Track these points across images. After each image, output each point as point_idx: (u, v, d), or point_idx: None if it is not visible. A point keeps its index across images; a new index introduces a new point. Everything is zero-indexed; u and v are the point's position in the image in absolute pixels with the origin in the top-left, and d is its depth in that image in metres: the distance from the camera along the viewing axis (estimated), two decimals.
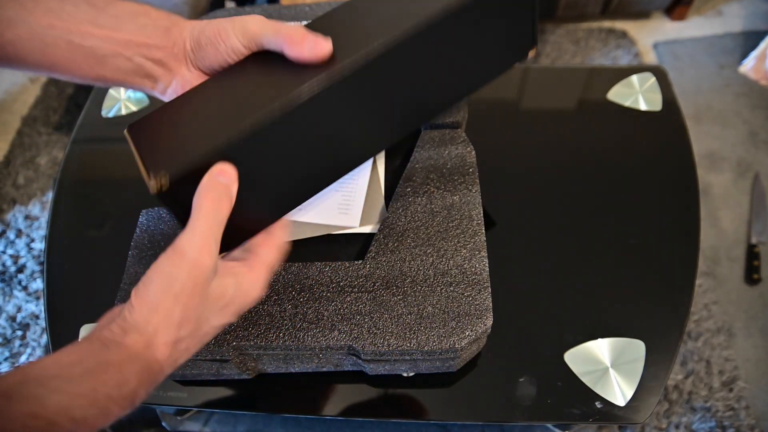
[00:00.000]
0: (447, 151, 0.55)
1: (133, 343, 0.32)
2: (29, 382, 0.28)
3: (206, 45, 0.40)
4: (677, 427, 1.01)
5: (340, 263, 0.49)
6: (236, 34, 0.40)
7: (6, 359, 1.15)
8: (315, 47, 0.38)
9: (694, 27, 1.65)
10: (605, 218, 0.61)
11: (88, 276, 0.60)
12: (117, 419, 0.31)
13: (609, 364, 0.52)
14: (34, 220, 1.34)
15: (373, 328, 0.45)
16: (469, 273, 0.47)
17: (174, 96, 0.42)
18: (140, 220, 0.53)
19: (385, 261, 0.48)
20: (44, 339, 1.17)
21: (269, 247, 0.40)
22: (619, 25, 1.66)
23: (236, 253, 0.41)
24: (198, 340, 0.35)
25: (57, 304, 0.59)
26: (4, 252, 1.29)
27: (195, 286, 0.33)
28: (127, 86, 0.42)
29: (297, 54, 0.38)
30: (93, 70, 0.40)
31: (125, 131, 0.39)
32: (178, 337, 0.33)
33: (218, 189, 0.35)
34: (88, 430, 0.29)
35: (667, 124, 0.68)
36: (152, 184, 0.35)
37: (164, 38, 0.40)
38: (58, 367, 0.29)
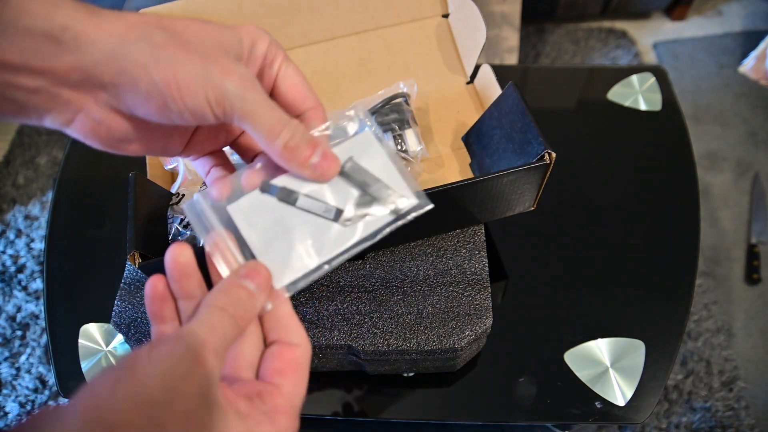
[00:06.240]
0: None
1: None
2: None
3: (146, 91, 0.25)
4: (677, 427, 1.01)
5: None
6: (208, 96, 0.25)
7: (6, 359, 1.15)
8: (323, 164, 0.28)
9: (694, 27, 1.65)
10: (605, 218, 0.61)
11: (88, 276, 0.60)
12: None
13: (609, 364, 0.52)
14: (34, 220, 1.34)
15: (373, 328, 0.45)
16: (468, 273, 0.47)
17: (84, 135, 0.27)
18: None
19: (384, 260, 0.48)
20: (44, 339, 1.17)
21: (295, 373, 0.27)
22: (619, 25, 1.66)
23: (244, 373, 0.27)
24: None
25: (57, 304, 0.59)
26: (4, 252, 1.29)
27: (189, 377, 0.22)
28: None
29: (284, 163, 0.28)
30: None
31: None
32: None
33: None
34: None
35: (667, 124, 0.68)
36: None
37: (49, 57, 0.24)
38: None
